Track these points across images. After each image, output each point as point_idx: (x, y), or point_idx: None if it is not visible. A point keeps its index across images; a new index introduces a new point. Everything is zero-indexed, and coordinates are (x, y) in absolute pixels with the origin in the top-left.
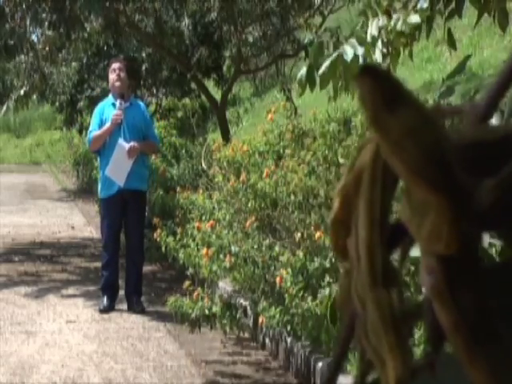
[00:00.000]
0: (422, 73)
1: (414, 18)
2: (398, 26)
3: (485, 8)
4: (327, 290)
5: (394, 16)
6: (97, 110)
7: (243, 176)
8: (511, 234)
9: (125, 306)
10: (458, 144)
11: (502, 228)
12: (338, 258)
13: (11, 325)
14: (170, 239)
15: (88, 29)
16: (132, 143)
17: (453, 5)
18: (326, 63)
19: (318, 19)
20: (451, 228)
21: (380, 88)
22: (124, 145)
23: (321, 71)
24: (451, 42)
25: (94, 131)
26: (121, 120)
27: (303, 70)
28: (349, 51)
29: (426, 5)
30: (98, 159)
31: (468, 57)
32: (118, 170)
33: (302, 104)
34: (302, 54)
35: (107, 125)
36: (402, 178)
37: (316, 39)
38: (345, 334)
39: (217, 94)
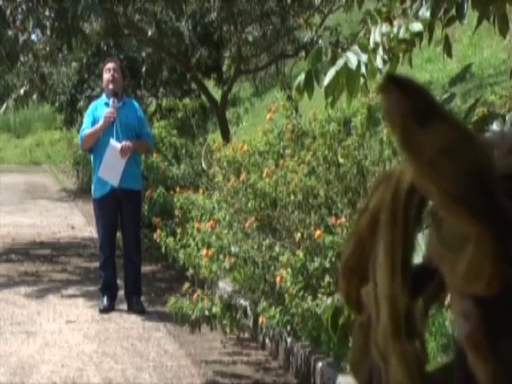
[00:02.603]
0: (422, 73)
1: (417, 26)
2: (401, 34)
3: (484, 13)
4: (329, 300)
5: (395, 23)
6: (90, 108)
7: (243, 176)
8: None
9: (125, 306)
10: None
11: None
12: (350, 310)
13: (11, 325)
14: (170, 239)
15: (87, 30)
16: (124, 142)
17: (453, 11)
18: (331, 73)
19: (317, 19)
20: (494, 264)
21: (409, 100)
22: (116, 145)
23: (326, 82)
24: (448, 49)
25: (86, 129)
26: (114, 118)
27: (302, 77)
28: (352, 59)
29: (428, 14)
30: (91, 159)
31: (469, 65)
32: (110, 170)
33: (302, 104)
34: (302, 53)
35: (100, 123)
36: (436, 205)
37: (316, 38)
38: None
39: (217, 94)
